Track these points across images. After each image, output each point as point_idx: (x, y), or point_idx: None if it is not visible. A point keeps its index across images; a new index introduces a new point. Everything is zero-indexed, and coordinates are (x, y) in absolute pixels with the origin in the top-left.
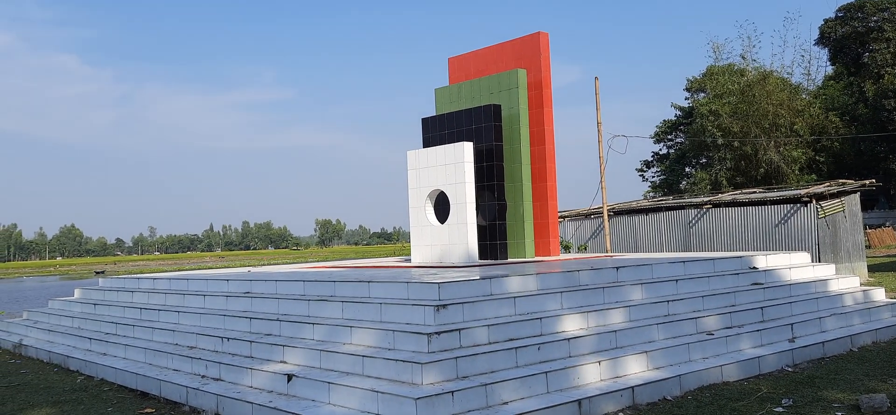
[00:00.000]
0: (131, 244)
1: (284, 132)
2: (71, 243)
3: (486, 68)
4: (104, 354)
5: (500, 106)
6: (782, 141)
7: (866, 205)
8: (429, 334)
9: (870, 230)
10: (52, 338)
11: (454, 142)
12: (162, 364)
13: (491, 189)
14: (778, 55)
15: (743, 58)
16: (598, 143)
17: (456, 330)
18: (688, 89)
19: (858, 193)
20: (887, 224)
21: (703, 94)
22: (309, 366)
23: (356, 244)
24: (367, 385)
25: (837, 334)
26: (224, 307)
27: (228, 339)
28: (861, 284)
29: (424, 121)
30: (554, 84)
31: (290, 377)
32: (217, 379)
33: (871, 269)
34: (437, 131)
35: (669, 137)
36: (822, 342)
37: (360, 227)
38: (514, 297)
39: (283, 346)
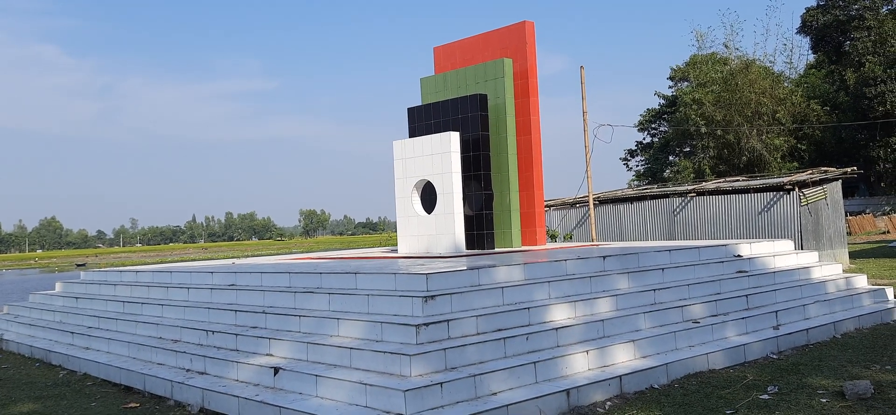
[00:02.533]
0: (113, 236)
1: (268, 123)
2: (51, 236)
3: (472, 58)
4: (87, 348)
5: (486, 95)
6: (765, 129)
7: (847, 192)
8: (417, 326)
9: (851, 217)
10: (34, 332)
11: (440, 132)
12: (146, 358)
13: (477, 179)
14: (761, 44)
15: (726, 47)
16: (584, 132)
17: (444, 321)
18: (671, 78)
19: (840, 180)
20: (867, 211)
21: (686, 83)
22: (296, 359)
23: (341, 235)
24: (355, 378)
25: (821, 321)
26: (209, 300)
27: (213, 332)
28: (843, 271)
29: (410, 111)
30: (539, 74)
31: (276, 370)
32: (202, 373)
33: (853, 255)
34: (423, 121)
35: (653, 125)
36: (806, 330)
37: (345, 217)
38: (502, 287)
39: (270, 339)
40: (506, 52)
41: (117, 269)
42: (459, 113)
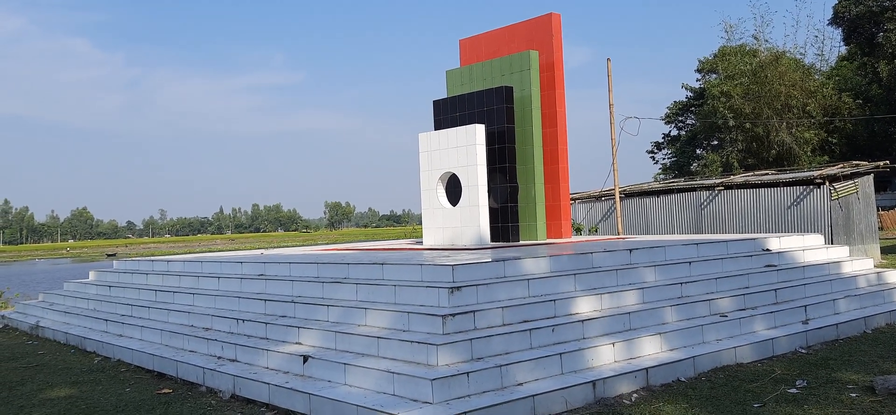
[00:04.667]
0: (142, 227)
1: (293, 115)
2: (82, 226)
3: (497, 50)
4: (120, 335)
5: (512, 88)
6: (794, 122)
7: (879, 186)
8: (443, 316)
9: (882, 212)
10: (69, 320)
11: (466, 124)
12: (178, 346)
13: (503, 171)
14: (791, 35)
15: (755, 38)
16: (610, 124)
17: (470, 312)
18: (699, 70)
19: (872, 174)
20: None
21: (714, 76)
22: (324, 347)
23: (365, 227)
24: (383, 366)
25: (851, 315)
26: (238, 289)
27: (243, 320)
28: (875, 267)
29: (436, 103)
30: (565, 66)
31: (305, 358)
32: (233, 360)
33: (885, 251)
34: (448, 114)
35: (681, 118)
36: (836, 324)
37: (370, 209)
38: (528, 279)
39: (298, 327)
40: (532, 45)
41: (149, 258)
42: (485, 105)
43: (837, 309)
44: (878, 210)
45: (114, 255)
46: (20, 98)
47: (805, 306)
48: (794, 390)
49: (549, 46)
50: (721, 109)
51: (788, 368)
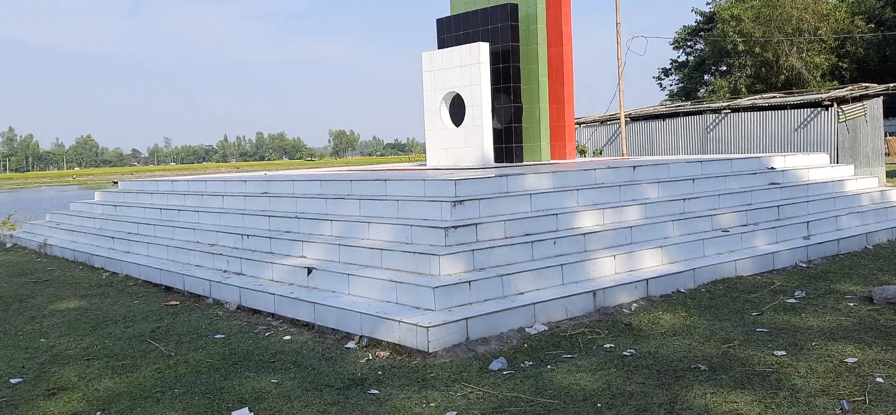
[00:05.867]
0: (147, 155)
1: (298, 42)
2: (87, 154)
3: None
4: (127, 252)
5: (517, 5)
6: (805, 47)
7: (888, 112)
8: (445, 228)
9: (890, 137)
10: (76, 238)
11: (470, 43)
12: (184, 260)
13: (507, 91)
14: None
15: None
16: (617, 43)
17: (472, 224)
18: None
19: (881, 97)
20: None
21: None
22: (328, 259)
23: (370, 155)
24: (386, 276)
25: (853, 231)
26: (243, 207)
27: (248, 236)
28: (879, 186)
29: (439, 21)
30: None
31: (309, 270)
32: (238, 273)
33: (890, 175)
34: (452, 32)
35: (689, 43)
36: (837, 239)
37: (374, 138)
38: (530, 194)
39: (302, 242)
40: None
41: (154, 179)
42: (489, 23)
43: (839, 225)
44: (886, 136)
45: (118, 183)
46: (21, 24)
47: (807, 223)
48: (792, 300)
49: None
50: (730, 33)
51: (788, 280)
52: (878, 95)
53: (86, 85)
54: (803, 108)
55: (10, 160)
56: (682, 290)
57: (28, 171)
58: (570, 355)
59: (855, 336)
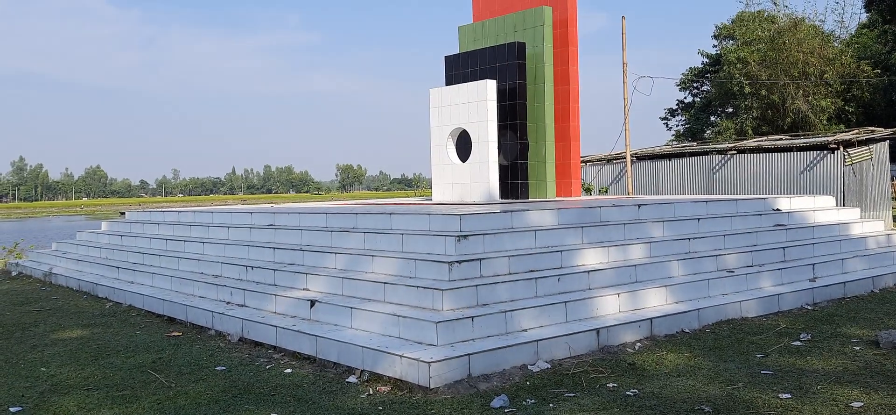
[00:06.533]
0: (155, 186)
1: (307, 77)
2: (96, 184)
3: (510, 5)
4: (132, 282)
5: (524, 44)
6: (811, 90)
7: (894, 156)
8: (449, 263)
9: None
10: (81, 267)
11: (477, 80)
12: (188, 291)
13: (513, 128)
14: (811, 1)
15: (775, 3)
16: (623, 83)
17: (476, 260)
18: (716, 36)
19: (888, 141)
20: None
21: (731, 41)
22: (331, 293)
23: (376, 190)
24: (389, 310)
25: (859, 275)
26: (248, 238)
27: (252, 267)
28: (885, 229)
29: (447, 59)
30: (580, 31)
31: (312, 303)
32: (242, 305)
33: None
34: (460, 69)
35: (695, 84)
36: (844, 283)
37: (381, 172)
38: (535, 230)
39: (306, 274)
40: (545, 0)
41: (161, 210)
42: (497, 61)
43: (846, 268)
44: (893, 179)
45: (125, 214)
46: (34, 55)
47: (813, 265)
48: (797, 343)
49: (563, 2)
50: (737, 75)
51: (793, 322)
52: (884, 139)
53: (97, 116)
54: (809, 150)
55: (19, 189)
56: (687, 330)
57: (37, 200)
58: (572, 394)
59: (861, 380)
